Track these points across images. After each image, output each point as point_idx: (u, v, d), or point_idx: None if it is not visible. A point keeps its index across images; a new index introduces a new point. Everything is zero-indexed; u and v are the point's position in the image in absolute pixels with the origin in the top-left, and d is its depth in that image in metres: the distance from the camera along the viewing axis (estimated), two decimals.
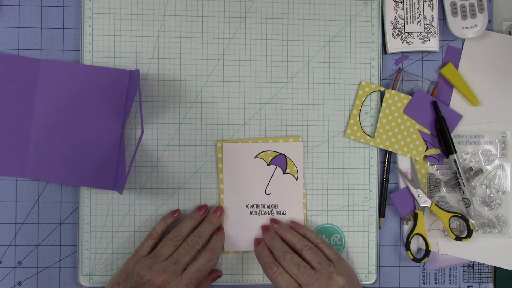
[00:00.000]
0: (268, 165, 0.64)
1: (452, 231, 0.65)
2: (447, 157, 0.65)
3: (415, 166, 0.66)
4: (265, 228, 0.63)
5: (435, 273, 0.67)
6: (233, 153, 0.63)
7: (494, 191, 0.67)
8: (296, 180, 0.64)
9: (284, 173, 0.64)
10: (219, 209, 0.63)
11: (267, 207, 0.64)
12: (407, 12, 0.65)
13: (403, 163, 0.66)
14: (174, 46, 0.63)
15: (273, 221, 0.63)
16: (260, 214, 0.64)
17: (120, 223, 0.63)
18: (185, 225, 0.60)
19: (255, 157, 0.64)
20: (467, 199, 0.64)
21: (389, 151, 0.66)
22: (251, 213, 0.64)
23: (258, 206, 0.64)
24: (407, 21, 0.65)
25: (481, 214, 0.67)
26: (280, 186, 0.64)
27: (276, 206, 0.64)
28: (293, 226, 0.63)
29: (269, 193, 0.64)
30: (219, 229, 0.63)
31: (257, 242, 0.63)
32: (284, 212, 0.64)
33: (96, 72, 0.62)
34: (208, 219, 0.62)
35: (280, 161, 0.64)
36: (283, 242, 0.61)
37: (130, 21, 0.63)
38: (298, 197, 0.64)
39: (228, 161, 0.63)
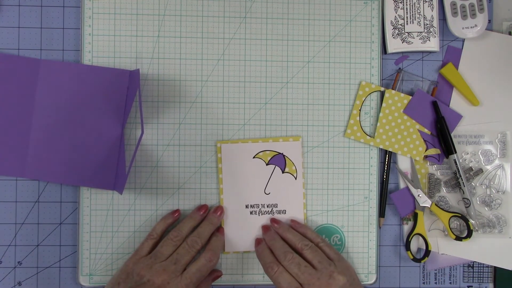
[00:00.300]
0: (267, 164, 0.64)
1: (452, 231, 0.65)
2: (447, 157, 0.65)
3: (415, 166, 0.66)
4: (265, 228, 0.63)
5: (435, 273, 0.67)
6: (231, 153, 0.63)
7: (494, 191, 0.67)
8: (295, 179, 0.64)
9: (283, 172, 0.64)
10: (219, 209, 0.63)
11: (267, 206, 0.64)
12: (407, 12, 0.65)
13: (403, 163, 0.66)
14: (174, 46, 0.63)
15: (273, 220, 0.63)
16: (260, 214, 0.64)
17: (120, 223, 0.63)
18: (185, 225, 0.60)
19: (254, 157, 0.64)
20: (467, 199, 0.64)
21: (389, 151, 0.66)
22: (251, 213, 0.64)
23: (257, 206, 0.64)
24: (407, 21, 0.65)
25: (481, 214, 0.67)
26: (279, 185, 0.64)
27: (276, 205, 0.64)
28: (293, 225, 0.63)
29: (268, 193, 0.64)
30: (219, 229, 0.63)
31: (258, 242, 0.63)
32: (284, 211, 0.64)
33: (96, 72, 0.62)
34: (208, 219, 0.62)
35: (279, 160, 0.64)
36: (284, 241, 0.61)
37: (130, 21, 0.63)
38: (298, 196, 0.64)
39: (227, 162, 0.63)
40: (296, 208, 0.64)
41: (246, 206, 0.64)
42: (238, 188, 0.64)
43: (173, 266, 0.56)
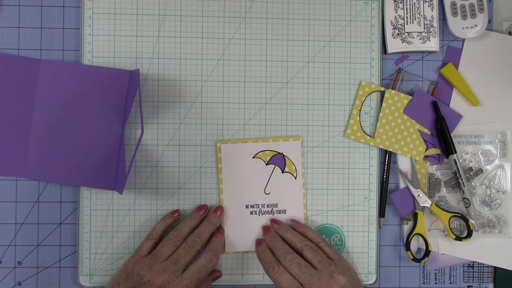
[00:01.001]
0: (267, 164, 0.64)
1: (452, 231, 0.65)
2: (447, 157, 0.65)
3: (415, 166, 0.66)
4: (265, 229, 0.63)
5: (435, 273, 0.67)
6: (231, 153, 0.63)
7: (494, 191, 0.67)
8: (295, 179, 0.64)
9: (282, 172, 0.64)
10: (219, 209, 0.63)
11: (267, 206, 0.64)
12: (407, 12, 0.65)
13: (403, 163, 0.66)
14: (174, 46, 0.63)
15: (273, 221, 0.63)
16: (260, 214, 0.64)
17: (120, 223, 0.63)
18: (185, 225, 0.60)
19: (253, 157, 0.64)
20: (467, 199, 0.64)
21: (389, 151, 0.66)
22: (251, 213, 0.64)
23: (258, 206, 0.64)
24: (407, 21, 0.65)
25: (481, 214, 0.67)
26: (279, 185, 0.64)
27: (276, 205, 0.64)
28: (293, 225, 0.63)
29: (268, 193, 0.64)
30: (219, 229, 0.63)
31: (258, 242, 0.63)
32: (284, 211, 0.64)
33: (96, 72, 0.62)
34: (208, 219, 0.62)
35: (278, 160, 0.64)
36: (284, 242, 0.61)
37: (130, 21, 0.63)
38: (298, 196, 0.64)
39: (227, 162, 0.63)
40: (296, 207, 0.64)
41: (246, 206, 0.64)
42: (238, 188, 0.64)
43: (173, 266, 0.56)
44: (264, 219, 0.64)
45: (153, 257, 0.57)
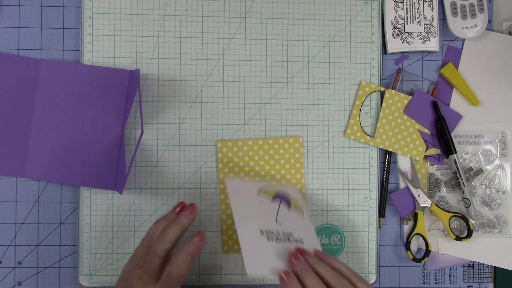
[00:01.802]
0: (272, 200, 0.60)
1: (452, 231, 0.65)
2: (447, 157, 0.65)
3: (415, 166, 0.66)
4: (294, 257, 0.53)
5: (435, 273, 0.67)
6: (237, 191, 0.59)
7: (494, 191, 0.67)
8: (302, 217, 0.60)
9: (289, 208, 0.60)
10: (189, 207, 0.57)
11: (282, 234, 0.56)
12: (407, 12, 0.65)
13: (403, 163, 0.66)
14: (174, 46, 0.63)
15: (300, 251, 0.54)
16: (278, 240, 0.56)
17: (120, 223, 0.63)
18: (157, 228, 0.56)
19: (258, 195, 0.60)
20: (467, 199, 0.64)
21: (389, 151, 0.66)
22: (268, 238, 0.55)
23: (273, 232, 0.56)
24: (407, 21, 0.65)
25: (481, 214, 0.67)
26: (289, 218, 0.59)
27: (291, 234, 0.57)
28: (319, 256, 0.55)
29: (280, 222, 0.58)
30: (199, 233, 0.56)
31: (287, 275, 0.52)
32: (301, 241, 0.57)
33: (96, 72, 0.62)
34: (176, 219, 0.56)
35: (283, 197, 0.61)
36: (318, 277, 0.52)
37: (130, 21, 0.63)
38: (309, 232, 0.59)
39: (235, 199, 0.57)
40: (311, 241, 0.58)
41: (261, 232, 0.55)
42: (249, 217, 0.57)
43: (145, 275, 0.52)
44: (282, 246, 0.55)
45: (133, 262, 0.54)
